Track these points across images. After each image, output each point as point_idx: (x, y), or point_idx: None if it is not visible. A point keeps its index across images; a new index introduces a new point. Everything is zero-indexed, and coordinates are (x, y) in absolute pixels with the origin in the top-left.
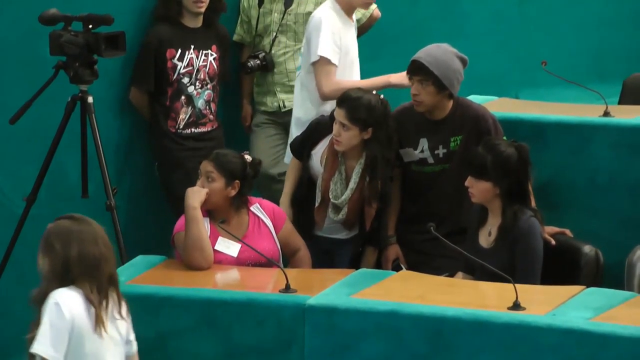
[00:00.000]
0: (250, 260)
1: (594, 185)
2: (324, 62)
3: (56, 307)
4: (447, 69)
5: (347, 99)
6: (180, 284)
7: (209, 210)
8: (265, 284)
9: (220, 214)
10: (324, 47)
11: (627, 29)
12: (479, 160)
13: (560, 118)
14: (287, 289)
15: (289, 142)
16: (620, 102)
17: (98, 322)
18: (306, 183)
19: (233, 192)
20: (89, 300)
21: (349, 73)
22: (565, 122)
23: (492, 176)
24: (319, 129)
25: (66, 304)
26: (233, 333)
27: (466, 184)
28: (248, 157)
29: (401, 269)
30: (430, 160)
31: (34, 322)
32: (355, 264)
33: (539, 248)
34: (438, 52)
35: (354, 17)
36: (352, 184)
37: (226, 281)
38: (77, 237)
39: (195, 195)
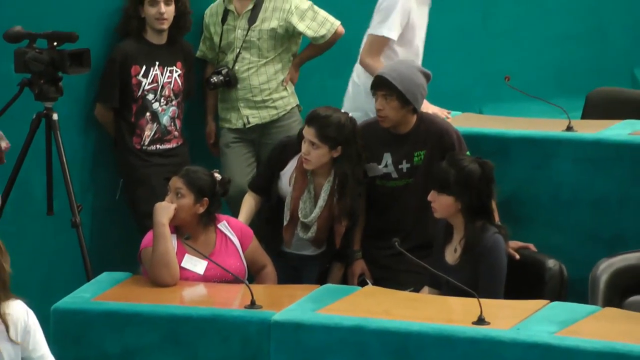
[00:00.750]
0: (217, 278)
1: (558, 200)
2: (383, 40)
3: None
4: (411, 84)
5: (317, 118)
6: (145, 301)
7: (176, 227)
8: (231, 300)
9: (187, 231)
10: (391, 28)
11: (589, 44)
12: (442, 175)
13: (524, 133)
14: (253, 304)
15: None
16: (583, 117)
17: None
18: (275, 203)
19: (201, 209)
20: None
21: (414, 54)
22: (528, 136)
23: (454, 191)
24: (286, 150)
25: None
26: (198, 349)
27: (429, 198)
28: (218, 176)
29: (367, 284)
30: (394, 175)
31: None
32: (322, 280)
33: (503, 265)
34: (402, 68)
35: None
36: (321, 202)
37: (192, 297)
38: None
39: (164, 212)
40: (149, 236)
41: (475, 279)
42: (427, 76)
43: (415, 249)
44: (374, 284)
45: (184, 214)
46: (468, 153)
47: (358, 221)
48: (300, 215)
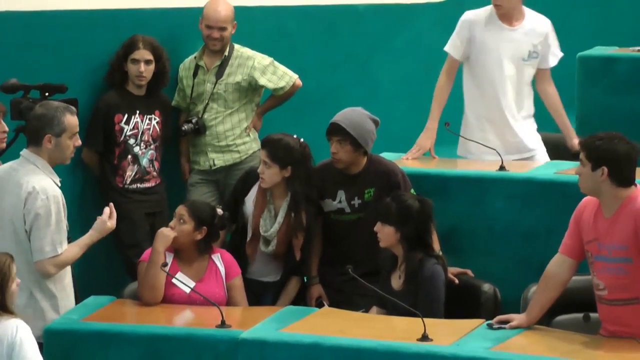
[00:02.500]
0: (199, 299)
1: (492, 232)
2: (448, 56)
3: None
4: (362, 130)
5: (269, 141)
6: (128, 321)
7: (175, 249)
8: (204, 320)
9: (185, 254)
10: (450, 43)
11: None
12: (385, 208)
13: (461, 172)
14: (223, 324)
15: None
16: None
17: None
18: (240, 230)
19: (199, 237)
20: None
21: (490, 71)
22: (465, 176)
23: (394, 222)
24: (249, 178)
25: None
26: None
27: (375, 229)
28: (219, 211)
29: (324, 305)
30: (347, 210)
31: None
32: (277, 300)
33: (440, 293)
34: (354, 115)
35: (520, 24)
36: (280, 218)
37: (169, 318)
38: None
39: (162, 241)
40: (146, 253)
41: (416, 303)
42: (375, 122)
43: (365, 275)
44: (330, 305)
45: (183, 239)
46: (412, 190)
47: (313, 236)
48: (261, 231)
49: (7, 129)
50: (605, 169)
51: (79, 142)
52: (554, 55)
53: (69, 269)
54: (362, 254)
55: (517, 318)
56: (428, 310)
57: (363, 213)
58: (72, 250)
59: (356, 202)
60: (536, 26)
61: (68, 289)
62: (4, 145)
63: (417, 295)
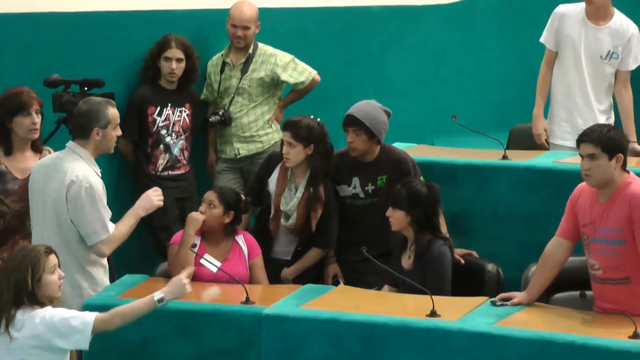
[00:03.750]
0: (225, 277)
1: (495, 216)
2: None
3: None
4: (376, 121)
5: (291, 123)
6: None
7: (203, 232)
8: (230, 297)
9: (212, 236)
10: (543, 35)
11: (521, 88)
12: (396, 194)
13: (468, 161)
14: (247, 301)
15: None
16: (508, 147)
17: None
18: (265, 211)
19: (227, 220)
20: None
21: (570, 64)
22: (471, 164)
23: (405, 206)
24: (271, 161)
25: None
26: (202, 338)
27: (387, 213)
28: (243, 197)
29: (340, 283)
30: (361, 195)
31: None
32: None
33: (447, 272)
34: (368, 108)
35: (606, 24)
36: (299, 194)
37: (197, 294)
38: None
39: (193, 224)
40: (176, 236)
41: (425, 281)
42: (388, 114)
43: (378, 256)
44: (345, 283)
45: (212, 222)
46: (422, 178)
47: (333, 211)
48: (282, 207)
49: (37, 120)
50: (621, 156)
51: (119, 132)
52: (635, 60)
53: None
54: (375, 236)
55: (518, 296)
56: (436, 288)
57: (376, 198)
58: (120, 229)
59: (369, 188)
60: (621, 28)
61: (103, 270)
62: (36, 136)
63: (426, 274)
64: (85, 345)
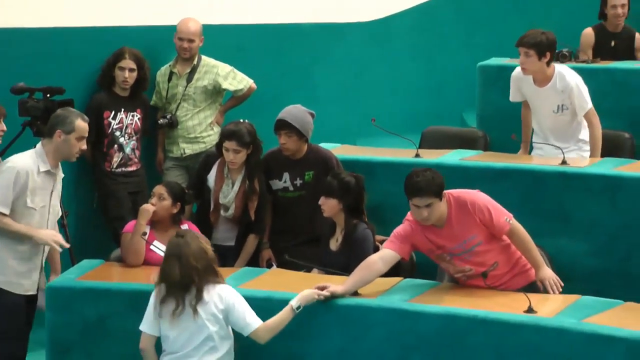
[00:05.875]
0: None
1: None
2: None
3: None
4: (304, 122)
5: (233, 133)
6: (114, 280)
7: (153, 222)
8: None
9: (160, 225)
10: (510, 95)
11: (432, 96)
12: (328, 184)
13: (385, 159)
14: None
15: None
16: (420, 147)
17: None
18: (205, 203)
19: (175, 210)
20: None
21: (535, 116)
22: (388, 161)
23: (337, 195)
24: (209, 160)
25: None
26: None
27: (319, 202)
28: (187, 191)
29: (272, 266)
30: (291, 189)
31: None
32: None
33: (370, 253)
34: (295, 111)
35: (548, 84)
36: (236, 187)
37: (148, 277)
38: None
39: (145, 215)
40: (129, 225)
41: (350, 260)
42: (312, 115)
43: (306, 241)
44: (277, 266)
45: (163, 212)
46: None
47: (267, 203)
48: (221, 200)
49: (5, 128)
50: (445, 192)
51: (84, 147)
52: (581, 107)
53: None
54: (303, 224)
55: (333, 287)
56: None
57: (304, 191)
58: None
59: (298, 182)
60: (561, 85)
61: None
62: None
63: (351, 254)
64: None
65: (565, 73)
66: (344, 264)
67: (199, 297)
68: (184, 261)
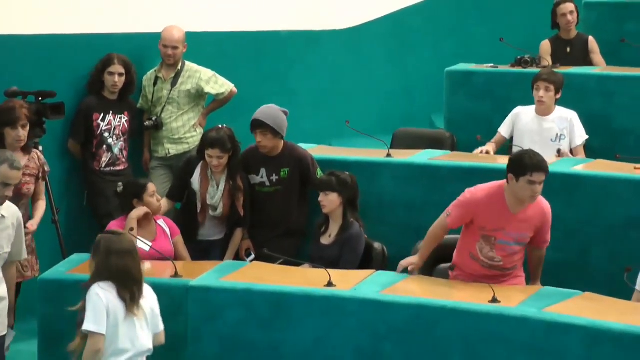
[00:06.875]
0: (156, 254)
1: (381, 204)
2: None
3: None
4: (278, 120)
5: (216, 140)
6: None
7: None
8: (162, 272)
9: (143, 221)
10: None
11: (402, 99)
12: (327, 181)
13: (358, 158)
14: (176, 275)
15: None
16: (391, 147)
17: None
18: (189, 204)
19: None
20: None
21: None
22: (361, 161)
23: (337, 189)
24: (190, 163)
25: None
26: None
27: (320, 199)
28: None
29: (251, 255)
30: (267, 184)
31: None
32: (227, 241)
33: (362, 248)
34: (269, 110)
35: (551, 114)
36: (221, 187)
37: None
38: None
39: (136, 213)
40: (109, 226)
41: (342, 254)
42: (285, 113)
43: (282, 234)
44: (256, 258)
45: (154, 208)
46: (319, 171)
47: (247, 197)
48: (208, 201)
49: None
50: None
51: (9, 194)
52: (580, 137)
53: None
54: (278, 218)
55: (412, 258)
56: (351, 261)
57: (280, 187)
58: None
59: (274, 178)
60: (563, 115)
61: None
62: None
63: (344, 249)
64: None
65: (562, 107)
66: (336, 257)
67: (141, 292)
68: (135, 256)
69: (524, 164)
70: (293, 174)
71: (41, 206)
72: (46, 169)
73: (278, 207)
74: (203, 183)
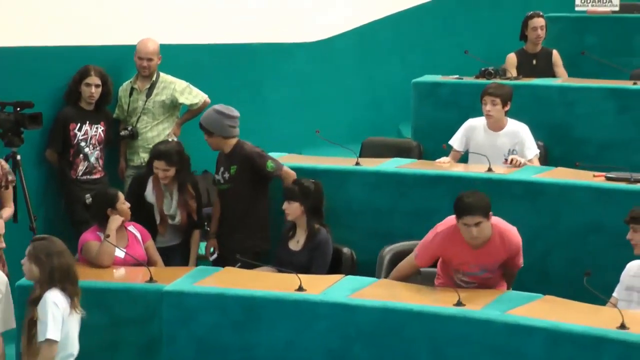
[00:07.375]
0: (131, 260)
1: (350, 210)
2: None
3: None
4: (210, 120)
5: (161, 153)
6: (83, 278)
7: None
8: (137, 278)
9: (117, 230)
10: (456, 140)
11: (371, 110)
12: (290, 190)
13: (328, 166)
14: (151, 280)
15: None
16: (360, 156)
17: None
18: (145, 215)
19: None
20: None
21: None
22: (331, 169)
23: (299, 198)
24: (139, 181)
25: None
26: (114, 309)
27: (283, 207)
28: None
29: (215, 254)
30: (222, 181)
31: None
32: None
33: (330, 253)
34: (207, 113)
35: (502, 130)
36: (175, 197)
37: (111, 275)
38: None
39: (114, 222)
40: (84, 236)
41: (310, 260)
42: (224, 114)
43: (244, 234)
44: (218, 256)
45: (127, 216)
46: (269, 162)
47: (199, 199)
48: (165, 212)
49: None
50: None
51: None
52: (530, 150)
53: None
54: (232, 214)
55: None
56: (321, 266)
57: (231, 184)
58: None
59: (226, 175)
60: (514, 130)
61: None
62: None
63: (313, 255)
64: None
65: (513, 121)
66: (306, 262)
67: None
68: (69, 254)
69: (457, 207)
70: (242, 170)
71: (7, 212)
72: (9, 178)
73: (231, 204)
74: (158, 195)
